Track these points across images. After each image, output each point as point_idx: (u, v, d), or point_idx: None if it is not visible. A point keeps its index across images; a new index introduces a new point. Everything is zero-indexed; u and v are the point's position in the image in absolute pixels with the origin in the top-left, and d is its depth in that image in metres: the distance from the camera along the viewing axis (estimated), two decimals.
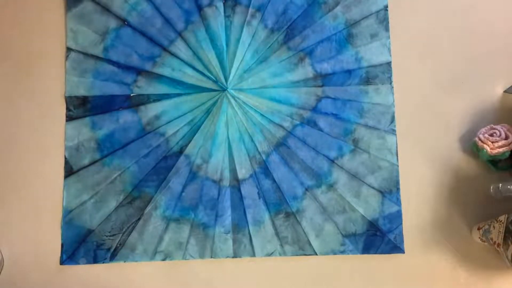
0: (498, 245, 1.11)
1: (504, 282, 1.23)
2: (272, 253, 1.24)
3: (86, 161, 1.26)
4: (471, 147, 1.26)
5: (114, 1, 1.30)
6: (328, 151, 1.27)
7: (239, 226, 1.24)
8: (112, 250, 1.23)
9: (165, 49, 1.30)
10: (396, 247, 1.24)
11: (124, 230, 1.23)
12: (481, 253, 1.24)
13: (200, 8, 1.31)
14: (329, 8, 1.32)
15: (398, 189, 1.26)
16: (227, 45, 1.30)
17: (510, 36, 1.32)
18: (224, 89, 1.29)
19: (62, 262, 1.23)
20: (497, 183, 1.23)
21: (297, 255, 1.24)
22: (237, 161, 1.27)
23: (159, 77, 1.29)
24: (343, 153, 1.27)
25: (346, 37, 1.31)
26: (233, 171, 1.26)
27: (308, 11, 1.31)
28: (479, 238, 1.20)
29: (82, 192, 1.24)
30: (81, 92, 1.28)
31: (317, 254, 1.24)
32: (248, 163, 1.27)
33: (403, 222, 1.25)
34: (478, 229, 1.20)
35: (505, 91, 1.29)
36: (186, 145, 1.27)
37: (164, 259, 1.23)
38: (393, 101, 1.29)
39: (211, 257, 1.23)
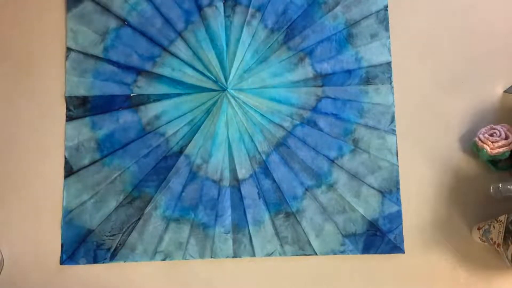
0: (498, 245, 1.11)
1: (504, 282, 1.23)
2: (272, 253, 1.24)
3: (86, 161, 1.26)
4: (471, 147, 1.26)
5: (114, 1, 1.30)
6: (328, 151, 1.27)
7: (239, 226, 1.24)
8: (112, 250, 1.23)
9: (165, 49, 1.30)
10: (396, 247, 1.24)
11: (124, 230, 1.23)
12: (481, 253, 1.24)
13: (200, 8, 1.31)
14: (329, 8, 1.32)
15: (398, 189, 1.26)
16: (227, 45, 1.30)
17: (510, 36, 1.32)
18: (224, 89, 1.29)
19: (62, 262, 1.23)
20: (497, 183, 1.23)
21: (297, 255, 1.24)
22: (237, 161, 1.27)
23: (159, 77, 1.29)
24: (343, 153, 1.27)
25: (346, 37, 1.31)
26: (233, 171, 1.26)
27: (308, 11, 1.31)
28: (479, 238, 1.20)
29: (82, 192, 1.24)
30: (81, 92, 1.28)
31: (317, 254, 1.24)
32: (248, 163, 1.27)
33: (403, 222, 1.25)
34: (478, 229, 1.20)
35: (505, 91, 1.29)
36: (186, 145, 1.27)
37: (164, 259, 1.23)
38: (393, 101, 1.29)
39: (211, 257, 1.23)
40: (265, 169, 1.26)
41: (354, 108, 1.29)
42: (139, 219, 1.24)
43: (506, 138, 1.20)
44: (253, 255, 1.23)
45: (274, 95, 1.29)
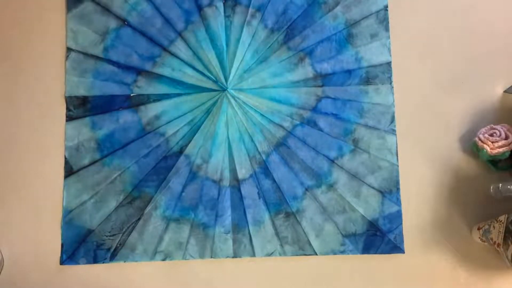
0: (498, 245, 1.11)
1: (504, 282, 1.23)
2: (272, 253, 1.24)
3: (86, 161, 1.26)
4: (471, 147, 1.26)
5: (114, 1, 1.30)
6: (328, 151, 1.27)
7: (239, 226, 1.24)
8: (112, 250, 1.23)
9: (165, 49, 1.30)
10: (396, 247, 1.24)
11: (124, 230, 1.23)
12: (481, 253, 1.24)
13: (200, 8, 1.31)
14: (329, 8, 1.32)
15: (398, 189, 1.26)
16: (227, 45, 1.30)
17: (510, 36, 1.32)
18: (224, 89, 1.29)
19: (62, 262, 1.23)
20: (497, 183, 1.23)
21: (297, 255, 1.24)
22: (237, 161, 1.27)
23: (159, 77, 1.29)
24: (343, 153, 1.27)
25: (346, 37, 1.31)
26: (233, 171, 1.26)
27: (308, 11, 1.31)
28: (479, 238, 1.20)
29: (82, 192, 1.24)
30: (81, 92, 1.28)
31: (317, 254, 1.24)
32: (248, 163, 1.27)
33: (403, 222, 1.25)
34: (478, 229, 1.20)
35: (505, 91, 1.29)
36: (186, 145, 1.27)
37: (164, 259, 1.23)
38: (393, 101, 1.29)
39: (211, 257, 1.23)
40: (265, 169, 1.26)
41: (354, 108, 1.29)
42: (139, 219, 1.24)
43: (506, 138, 1.20)
44: (253, 255, 1.23)
45: (274, 95, 1.29)
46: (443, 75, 1.31)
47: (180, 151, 1.27)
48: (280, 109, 1.29)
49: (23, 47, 1.30)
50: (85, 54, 1.29)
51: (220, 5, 1.31)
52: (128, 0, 1.30)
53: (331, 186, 1.26)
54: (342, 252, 1.23)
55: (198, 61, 1.30)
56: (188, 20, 1.30)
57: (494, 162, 1.24)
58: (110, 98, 1.28)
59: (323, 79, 1.30)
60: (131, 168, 1.26)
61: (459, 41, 1.32)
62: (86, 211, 1.24)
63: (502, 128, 1.21)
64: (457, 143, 1.28)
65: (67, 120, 1.27)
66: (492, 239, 1.14)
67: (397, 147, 1.27)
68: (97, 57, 1.29)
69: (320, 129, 1.28)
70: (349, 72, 1.30)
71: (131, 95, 1.28)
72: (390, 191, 1.26)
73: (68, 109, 1.27)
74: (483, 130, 1.23)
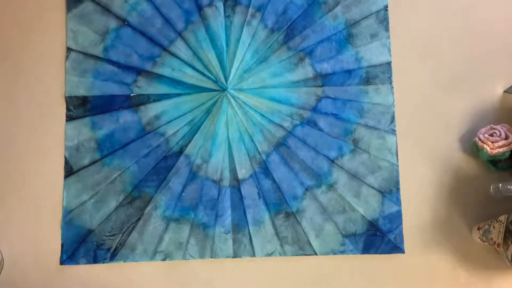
0: (498, 245, 1.11)
1: (504, 282, 1.23)
2: (272, 253, 1.24)
3: (86, 161, 1.26)
4: (471, 147, 1.26)
5: (114, 1, 1.30)
6: (328, 151, 1.27)
7: (239, 226, 1.24)
8: (112, 250, 1.23)
9: (165, 49, 1.30)
10: (396, 247, 1.24)
11: (124, 230, 1.23)
12: (481, 253, 1.24)
13: (200, 8, 1.31)
14: (329, 8, 1.32)
15: (398, 189, 1.26)
16: (227, 45, 1.30)
17: (510, 36, 1.32)
18: (224, 89, 1.29)
19: (62, 262, 1.23)
20: (497, 183, 1.23)
21: (297, 255, 1.24)
22: (237, 161, 1.27)
23: (159, 77, 1.29)
24: (343, 153, 1.27)
25: (346, 37, 1.31)
26: (233, 171, 1.26)
27: (308, 11, 1.31)
28: (479, 238, 1.20)
29: (82, 192, 1.24)
30: (81, 92, 1.28)
31: (317, 254, 1.24)
32: (248, 163, 1.27)
33: (403, 222, 1.25)
34: (478, 229, 1.20)
35: (505, 91, 1.29)
36: (186, 145, 1.27)
37: (164, 259, 1.23)
38: (393, 101, 1.29)
39: (211, 257, 1.23)
40: (265, 169, 1.26)
41: (354, 108, 1.29)
42: (139, 219, 1.24)
43: (506, 138, 1.20)
44: (253, 255, 1.23)
45: (274, 95, 1.29)
46: (443, 75, 1.31)
47: (180, 151, 1.27)
48: (280, 109, 1.29)
49: (23, 47, 1.30)
50: (85, 54, 1.29)
51: (220, 5, 1.31)
52: (128, 0, 1.30)
53: (331, 186, 1.26)
54: (342, 252, 1.23)
55: (198, 61, 1.30)
56: (188, 20, 1.30)
57: (494, 162, 1.24)
58: (110, 98, 1.28)
59: (323, 79, 1.30)
60: (131, 168, 1.26)
61: (459, 41, 1.32)
62: (86, 211, 1.24)
63: (502, 128, 1.21)
64: (457, 143, 1.28)
65: (67, 120, 1.27)
66: (492, 239, 1.14)
67: (397, 147, 1.27)
68: (97, 57, 1.29)
69: (320, 129, 1.28)
70: (349, 72, 1.30)
71: (131, 95, 1.28)
72: (390, 191, 1.26)
73: (68, 109, 1.27)
74: (483, 130, 1.23)
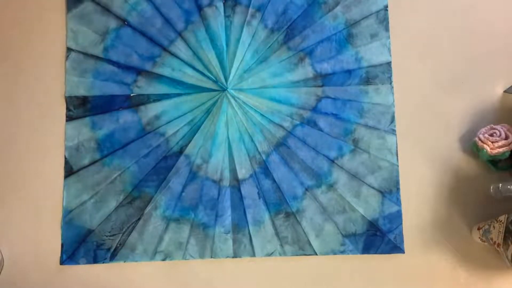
0: (498, 245, 1.11)
1: (504, 282, 1.23)
2: (272, 253, 1.24)
3: (86, 161, 1.26)
4: (471, 147, 1.26)
5: (114, 1, 1.30)
6: (328, 151, 1.27)
7: (239, 226, 1.24)
8: (112, 250, 1.23)
9: (165, 49, 1.30)
10: (396, 247, 1.24)
11: (124, 230, 1.23)
12: (481, 253, 1.24)
13: (200, 8, 1.31)
14: (329, 8, 1.32)
15: (398, 189, 1.26)
16: (227, 45, 1.30)
17: (510, 36, 1.32)
18: (224, 89, 1.29)
19: (62, 262, 1.23)
20: (497, 183, 1.23)
21: (297, 255, 1.24)
22: (237, 161, 1.27)
23: (159, 77, 1.29)
24: (343, 153, 1.27)
25: (346, 37, 1.31)
26: (233, 171, 1.26)
27: (308, 11, 1.31)
28: (479, 238, 1.20)
29: (82, 192, 1.24)
30: (81, 92, 1.28)
31: (317, 254, 1.24)
32: (248, 163, 1.27)
33: (403, 222, 1.25)
34: (478, 229, 1.20)
35: (505, 91, 1.29)
36: (186, 145, 1.27)
37: (164, 259, 1.23)
38: (393, 101, 1.29)
39: (211, 257, 1.23)
40: (265, 169, 1.26)
41: (354, 108, 1.29)
42: (139, 219, 1.24)
43: (506, 138, 1.20)
44: (253, 255, 1.23)
45: (274, 95, 1.29)
46: (443, 75, 1.31)
47: (180, 151, 1.27)
48: (280, 109, 1.29)
49: (23, 47, 1.30)
50: (85, 54, 1.29)
51: (220, 5, 1.31)
52: (128, 0, 1.30)
53: (331, 186, 1.26)
54: (342, 252, 1.23)
55: (198, 61, 1.30)
56: (188, 20, 1.31)
57: (494, 162, 1.24)
58: (110, 98, 1.28)
59: (323, 79, 1.30)
60: (131, 168, 1.26)
61: (459, 41, 1.32)
62: (86, 211, 1.24)
63: (502, 128, 1.21)
64: (457, 143, 1.28)
65: (67, 120, 1.27)
66: (492, 239, 1.14)
67: (397, 147, 1.27)
68: (97, 57, 1.29)
69: (320, 129, 1.28)
70: (349, 72, 1.30)
71: (131, 95, 1.28)
72: (390, 191, 1.26)
73: (68, 109, 1.27)
74: (483, 130, 1.23)
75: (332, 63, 1.30)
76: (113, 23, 1.30)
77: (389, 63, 1.30)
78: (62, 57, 1.29)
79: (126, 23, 1.30)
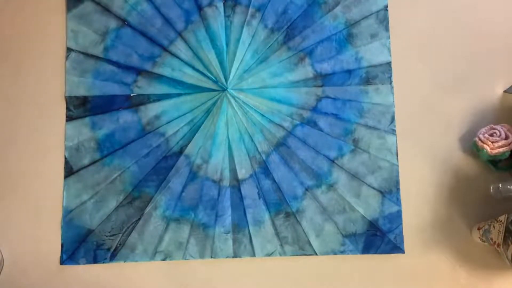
0: (498, 245, 1.11)
1: (504, 282, 1.23)
2: (272, 253, 1.24)
3: (86, 161, 1.26)
4: (471, 147, 1.26)
5: (114, 1, 1.30)
6: (328, 151, 1.27)
7: (239, 226, 1.24)
8: (112, 250, 1.23)
9: (165, 49, 1.30)
10: (396, 247, 1.24)
11: (124, 230, 1.23)
12: (481, 253, 1.24)
13: (200, 8, 1.31)
14: (329, 8, 1.32)
15: (398, 189, 1.26)
16: (227, 45, 1.30)
17: (510, 36, 1.32)
18: (224, 89, 1.29)
19: (62, 262, 1.23)
20: (497, 183, 1.23)
21: (297, 255, 1.24)
22: (237, 161, 1.27)
23: (159, 77, 1.29)
24: (343, 153, 1.27)
25: (346, 37, 1.31)
26: (233, 171, 1.26)
27: (308, 11, 1.31)
28: (479, 238, 1.20)
29: (82, 192, 1.24)
30: (81, 92, 1.28)
31: (317, 254, 1.24)
32: (248, 163, 1.27)
33: (403, 222, 1.25)
34: (478, 229, 1.20)
35: (505, 91, 1.29)
36: (186, 145, 1.27)
37: (164, 259, 1.23)
38: (393, 101, 1.29)
39: (211, 257, 1.23)
40: (265, 169, 1.26)
41: (354, 108, 1.29)
42: (139, 219, 1.24)
43: (506, 138, 1.20)
44: (253, 255, 1.23)
45: (274, 95, 1.29)
46: (443, 75, 1.31)
47: (180, 151, 1.27)
48: (280, 109, 1.29)
49: (23, 47, 1.30)
50: (85, 54, 1.29)
51: (220, 5, 1.31)
52: (128, 0, 1.30)
53: (331, 186, 1.26)
54: (342, 252, 1.23)
55: (198, 61, 1.30)
56: (188, 20, 1.31)
57: (494, 162, 1.24)
58: (110, 98, 1.28)
59: (323, 79, 1.30)
60: (131, 168, 1.26)
61: (459, 41, 1.32)
62: (86, 211, 1.24)
63: (502, 128, 1.21)
64: (457, 143, 1.28)
65: (67, 120, 1.27)
66: (492, 239, 1.14)
67: (397, 147, 1.27)
68: (97, 57, 1.29)
69: (320, 129, 1.28)
70: (349, 72, 1.30)
71: (131, 95, 1.28)
72: (390, 191, 1.26)
73: (68, 109, 1.27)
74: (483, 130, 1.23)
75: (332, 63, 1.30)
76: (113, 23, 1.30)
77: (389, 63, 1.30)
78: (62, 57, 1.29)
79: (126, 23, 1.30)
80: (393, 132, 1.28)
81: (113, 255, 1.23)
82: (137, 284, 1.23)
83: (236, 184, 1.26)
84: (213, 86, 1.29)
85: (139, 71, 1.29)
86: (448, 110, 1.29)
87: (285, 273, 1.24)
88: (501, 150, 1.19)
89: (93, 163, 1.25)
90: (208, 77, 1.29)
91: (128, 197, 1.25)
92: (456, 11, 1.33)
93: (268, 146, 1.27)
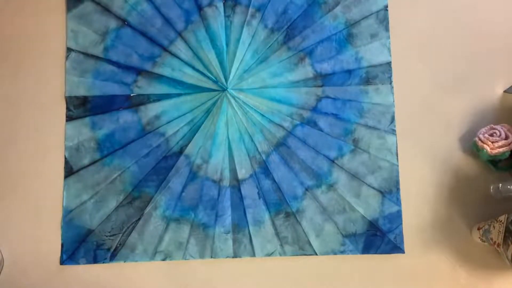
0: (498, 245, 1.11)
1: (504, 282, 1.23)
2: (272, 253, 1.24)
3: (86, 161, 1.26)
4: (471, 147, 1.26)
5: (114, 1, 1.30)
6: (328, 151, 1.27)
7: (239, 226, 1.24)
8: (112, 250, 1.23)
9: (165, 49, 1.30)
10: (396, 247, 1.24)
11: (124, 230, 1.23)
12: (481, 253, 1.24)
13: (200, 8, 1.31)
14: (329, 8, 1.32)
15: (398, 189, 1.26)
16: (227, 45, 1.30)
17: (510, 36, 1.32)
18: (224, 89, 1.29)
19: (62, 262, 1.23)
20: (497, 183, 1.23)
21: (297, 255, 1.24)
22: (237, 161, 1.27)
23: (159, 77, 1.29)
24: (343, 153, 1.27)
25: (346, 37, 1.31)
26: (233, 171, 1.26)
27: (308, 11, 1.31)
28: (479, 238, 1.20)
29: (82, 192, 1.24)
30: (81, 92, 1.28)
31: (317, 254, 1.24)
32: (248, 163, 1.27)
33: (403, 222, 1.25)
34: (478, 229, 1.20)
35: (505, 91, 1.29)
36: (186, 145, 1.27)
37: (164, 259, 1.23)
38: (393, 101, 1.29)
39: (211, 257, 1.23)
40: (265, 169, 1.26)
41: (354, 108, 1.29)
42: (139, 219, 1.24)
43: (506, 138, 1.20)
44: (253, 255, 1.23)
45: (274, 95, 1.29)
46: (443, 75, 1.31)
47: (180, 151, 1.27)
48: (280, 109, 1.29)
49: (23, 47, 1.30)
50: (85, 54, 1.29)
51: (220, 5, 1.31)
52: (128, 0, 1.30)
53: (331, 186, 1.26)
54: (342, 252, 1.23)
55: (198, 61, 1.30)
56: (188, 20, 1.31)
57: (494, 162, 1.24)
58: (110, 98, 1.28)
59: (323, 79, 1.30)
60: (131, 168, 1.26)
61: (459, 41, 1.32)
62: (86, 211, 1.24)
63: (502, 128, 1.21)
64: (457, 143, 1.28)
65: (67, 120, 1.27)
66: (492, 239, 1.14)
67: (397, 147, 1.27)
68: (97, 57, 1.29)
69: (320, 129, 1.28)
70: (349, 72, 1.30)
71: (131, 95, 1.28)
72: (390, 191, 1.26)
73: (68, 109, 1.27)
74: (483, 130, 1.23)
75: (332, 63, 1.30)
76: (113, 23, 1.30)
77: (389, 63, 1.30)
78: (62, 57, 1.29)
79: (126, 23, 1.30)
80: (393, 132, 1.28)
81: (113, 255, 1.23)
82: (137, 284, 1.23)
83: (236, 184, 1.26)
84: (213, 86, 1.29)
85: (139, 71, 1.29)
86: (448, 110, 1.29)
87: (285, 273, 1.24)
88: (501, 150, 1.19)
89: (93, 163, 1.26)
90: (208, 77, 1.29)
91: (128, 197, 1.25)
92: (456, 11, 1.33)
93: (268, 146, 1.27)
